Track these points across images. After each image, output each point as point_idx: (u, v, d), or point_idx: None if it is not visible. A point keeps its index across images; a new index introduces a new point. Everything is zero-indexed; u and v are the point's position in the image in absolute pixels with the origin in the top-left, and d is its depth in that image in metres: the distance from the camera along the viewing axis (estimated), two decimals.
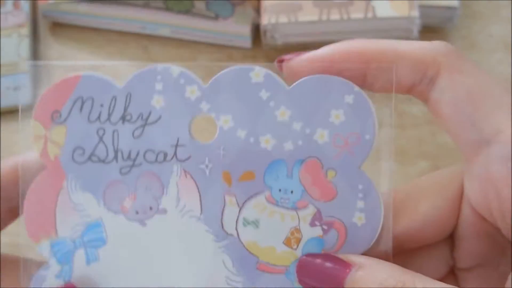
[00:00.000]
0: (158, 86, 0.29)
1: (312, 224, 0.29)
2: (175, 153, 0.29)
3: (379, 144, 0.29)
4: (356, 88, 0.29)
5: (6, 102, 0.57)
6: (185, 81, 0.29)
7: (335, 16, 0.55)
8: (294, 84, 0.29)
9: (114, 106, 0.29)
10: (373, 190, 0.29)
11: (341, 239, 0.29)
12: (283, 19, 0.56)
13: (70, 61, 0.57)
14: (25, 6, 0.60)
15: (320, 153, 0.29)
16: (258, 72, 0.29)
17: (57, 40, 0.61)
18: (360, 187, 0.29)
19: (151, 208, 0.29)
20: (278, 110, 0.29)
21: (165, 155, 0.29)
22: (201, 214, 0.29)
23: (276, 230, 0.29)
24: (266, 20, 0.56)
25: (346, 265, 0.27)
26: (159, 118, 0.29)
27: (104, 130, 0.29)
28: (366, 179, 0.29)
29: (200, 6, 0.58)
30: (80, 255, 0.29)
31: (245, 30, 0.58)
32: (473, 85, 0.28)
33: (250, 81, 0.29)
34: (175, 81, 0.29)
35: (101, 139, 0.29)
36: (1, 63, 0.58)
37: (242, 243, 0.29)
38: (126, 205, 0.29)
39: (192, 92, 0.29)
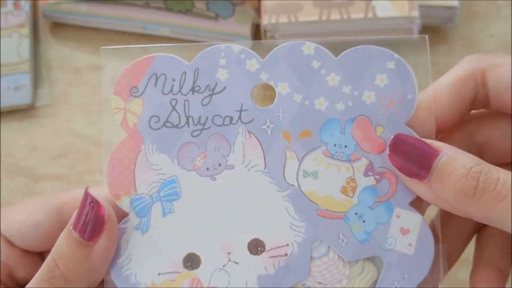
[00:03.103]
0: (222, 62, 0.38)
1: (366, 174, 0.38)
2: (239, 117, 0.38)
3: None
4: (396, 55, 0.38)
5: (6, 102, 0.62)
6: (245, 56, 0.38)
7: (335, 16, 0.61)
8: (341, 55, 0.38)
9: (184, 80, 0.38)
10: None
11: (393, 187, 0.38)
12: (283, 19, 0.61)
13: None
14: (25, 6, 0.65)
15: (368, 111, 0.38)
16: (309, 46, 0.38)
17: (57, 40, 0.66)
18: None
19: (220, 165, 0.38)
20: (329, 76, 0.38)
21: (231, 119, 0.38)
22: (265, 168, 0.38)
23: (333, 180, 0.38)
24: (266, 20, 0.61)
25: (435, 149, 0.35)
26: (224, 88, 0.38)
27: (176, 100, 0.38)
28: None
29: (200, 6, 0.63)
30: (156, 208, 0.38)
31: (245, 30, 0.64)
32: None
33: (302, 54, 0.38)
34: (236, 57, 0.38)
35: (174, 108, 0.38)
36: (1, 63, 0.63)
37: (303, 192, 0.38)
38: (197, 163, 0.38)
39: (251, 64, 0.38)
